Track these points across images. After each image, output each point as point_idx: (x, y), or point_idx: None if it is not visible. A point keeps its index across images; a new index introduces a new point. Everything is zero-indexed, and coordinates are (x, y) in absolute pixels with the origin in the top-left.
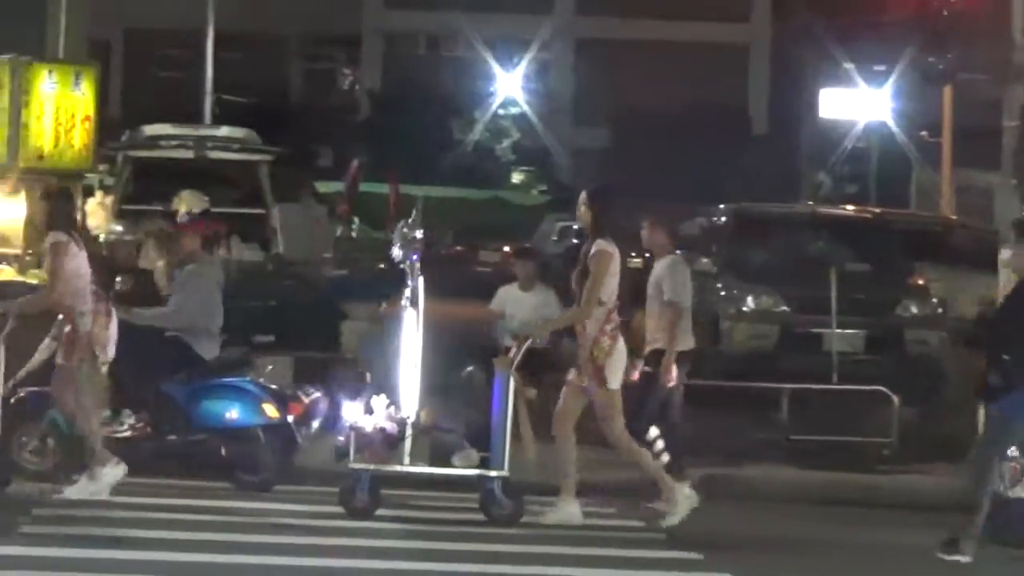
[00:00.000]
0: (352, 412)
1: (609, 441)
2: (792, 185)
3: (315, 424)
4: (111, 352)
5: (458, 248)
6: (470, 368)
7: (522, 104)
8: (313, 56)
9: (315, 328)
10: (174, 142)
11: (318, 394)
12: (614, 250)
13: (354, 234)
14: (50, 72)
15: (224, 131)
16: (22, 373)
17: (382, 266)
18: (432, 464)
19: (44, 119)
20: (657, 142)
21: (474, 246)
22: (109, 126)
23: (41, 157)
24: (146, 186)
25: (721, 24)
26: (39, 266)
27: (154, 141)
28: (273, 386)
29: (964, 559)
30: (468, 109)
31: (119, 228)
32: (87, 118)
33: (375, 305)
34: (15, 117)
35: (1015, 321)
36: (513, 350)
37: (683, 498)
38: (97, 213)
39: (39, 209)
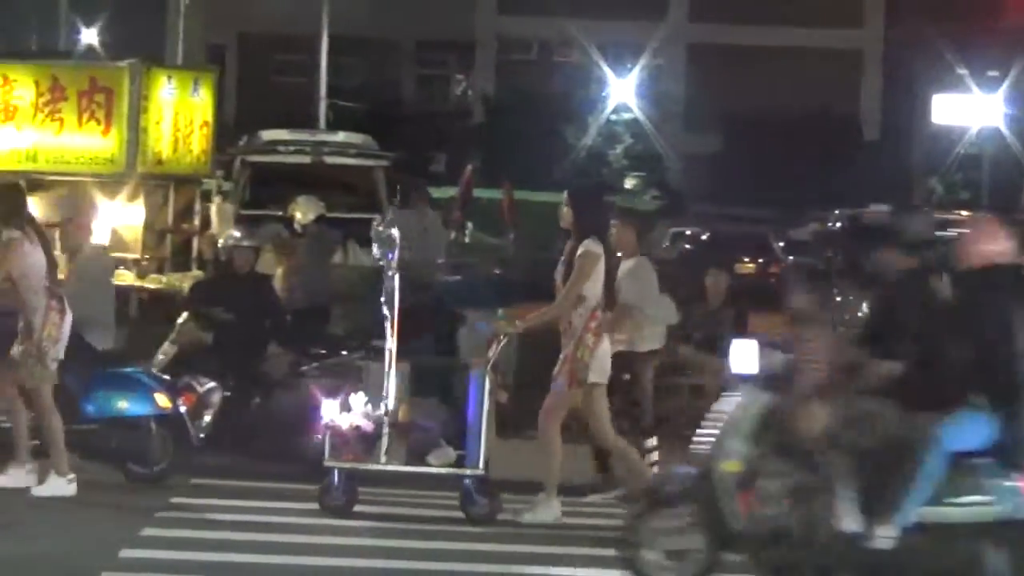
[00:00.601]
0: (328, 410)
1: (539, 424)
2: (904, 191)
3: (207, 416)
4: (62, 350)
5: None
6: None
7: (634, 109)
8: (426, 62)
9: (433, 333)
10: (291, 147)
11: (212, 384)
12: (600, 250)
13: (467, 239)
14: (169, 78)
15: (341, 136)
16: None
17: (497, 271)
18: (410, 462)
19: (163, 124)
20: (768, 148)
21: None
22: (224, 131)
23: (160, 162)
24: (263, 191)
25: (834, 30)
26: (159, 270)
27: (272, 146)
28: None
29: None
30: (581, 114)
31: (237, 234)
32: (205, 123)
33: (491, 311)
34: (134, 122)
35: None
36: (491, 348)
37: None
38: (216, 219)
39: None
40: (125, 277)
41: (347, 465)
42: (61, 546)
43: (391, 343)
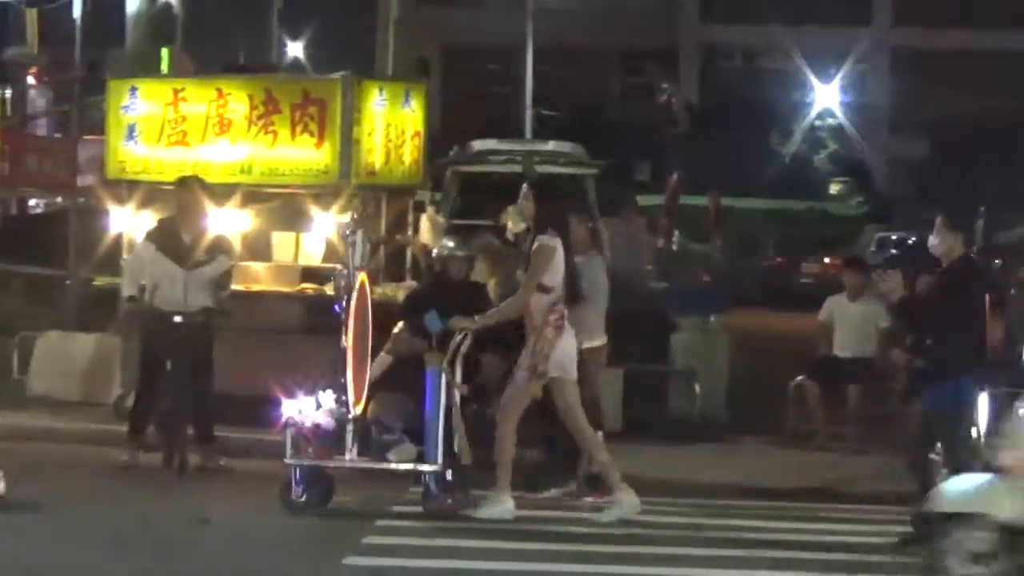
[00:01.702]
0: (289, 408)
1: (498, 417)
2: None
3: None
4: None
5: (779, 259)
6: (800, 378)
7: (838, 115)
8: (630, 70)
9: (644, 340)
10: (502, 157)
11: None
12: (557, 244)
13: (675, 247)
14: (380, 89)
15: (551, 145)
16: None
17: (704, 278)
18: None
19: (375, 136)
20: (975, 151)
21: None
22: (430, 142)
23: (372, 173)
24: (474, 201)
25: None
26: (373, 281)
27: (482, 156)
28: None
29: None
30: (785, 121)
31: (451, 243)
32: (416, 134)
33: (700, 317)
34: (347, 134)
35: (941, 309)
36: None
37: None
38: (428, 228)
39: None
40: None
41: (307, 462)
42: (284, 555)
43: (347, 341)
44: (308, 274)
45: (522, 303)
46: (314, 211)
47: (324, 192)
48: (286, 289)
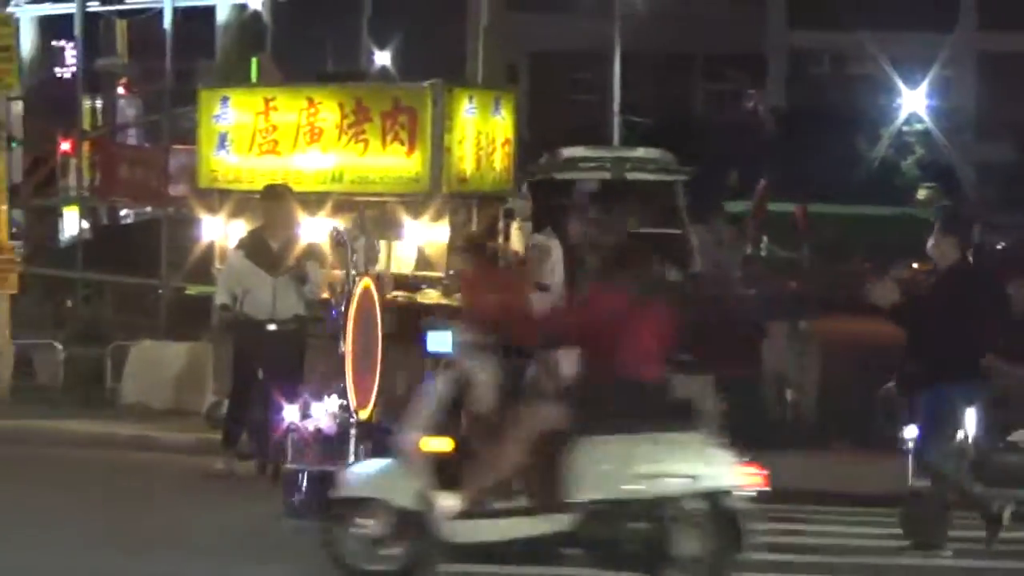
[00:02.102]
0: (290, 413)
1: None
2: None
3: None
4: None
5: (867, 265)
6: (889, 384)
7: (926, 120)
8: (717, 76)
9: (735, 347)
10: (591, 163)
11: None
12: (553, 243)
13: (763, 253)
14: (471, 97)
15: (640, 152)
16: None
17: (792, 284)
18: None
19: (465, 144)
20: None
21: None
22: (519, 148)
23: (463, 180)
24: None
25: None
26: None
27: (572, 163)
28: None
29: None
30: (872, 126)
31: None
32: (507, 141)
33: (789, 323)
34: (438, 142)
35: (939, 312)
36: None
37: None
38: (517, 236)
39: None
40: (431, 295)
41: (308, 467)
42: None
43: (346, 346)
44: (400, 282)
45: (525, 305)
46: (405, 219)
47: (415, 200)
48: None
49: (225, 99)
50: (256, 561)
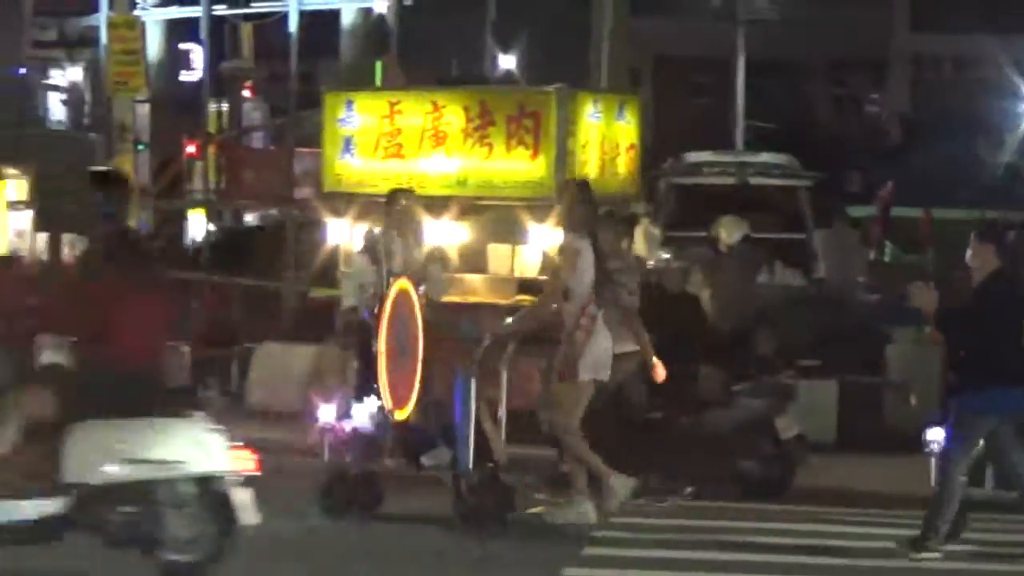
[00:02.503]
0: (327, 413)
1: (555, 431)
2: None
3: None
4: None
5: None
6: None
7: None
8: (840, 81)
9: (859, 352)
10: (716, 168)
11: None
12: (582, 245)
13: (887, 258)
14: (595, 101)
15: (764, 157)
16: None
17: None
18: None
19: (589, 148)
20: None
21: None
22: (644, 152)
23: None
24: (689, 213)
25: None
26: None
27: (696, 168)
28: None
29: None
30: (996, 131)
31: (666, 255)
32: (631, 146)
33: (913, 329)
34: (562, 146)
35: (975, 321)
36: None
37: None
38: (642, 240)
39: None
40: None
41: (346, 466)
42: (502, 566)
43: (380, 346)
44: (524, 286)
45: (548, 304)
46: (529, 223)
47: (539, 204)
48: (502, 301)
49: (350, 102)
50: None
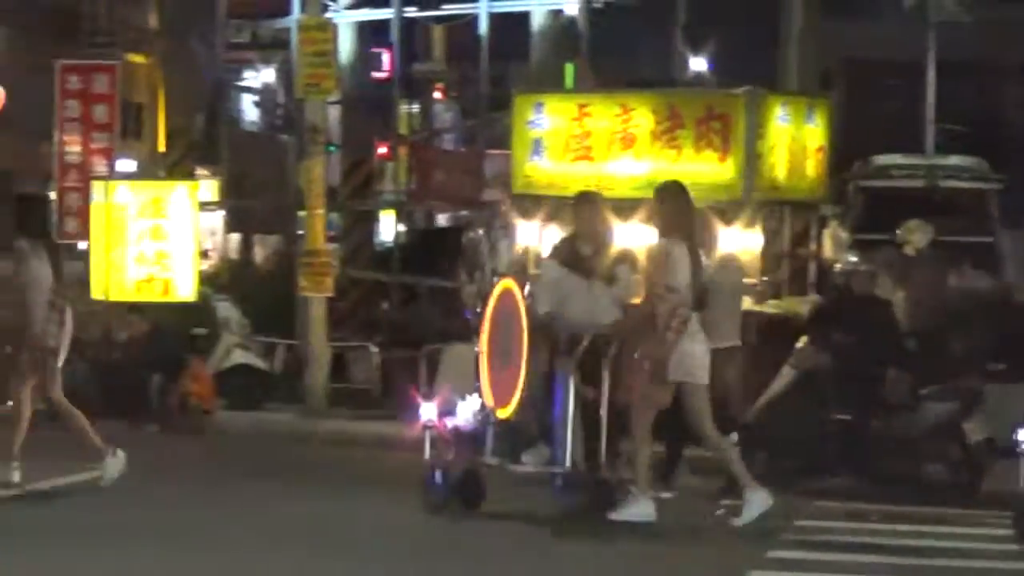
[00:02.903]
0: (427, 411)
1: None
2: None
3: None
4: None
5: None
6: None
7: None
8: None
9: None
10: (904, 171)
11: None
12: (673, 247)
13: None
14: (783, 104)
15: (954, 160)
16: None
17: None
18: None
19: (778, 150)
20: None
21: None
22: (834, 155)
23: (775, 188)
24: (877, 216)
25: None
26: (776, 295)
27: (884, 170)
28: None
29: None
30: None
31: (854, 258)
32: (820, 149)
33: None
34: (751, 149)
35: None
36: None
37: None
38: (830, 243)
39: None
40: (744, 302)
41: (445, 463)
42: (685, 569)
43: (481, 346)
44: None
45: (649, 308)
46: (718, 225)
47: (727, 207)
48: None
49: (539, 105)
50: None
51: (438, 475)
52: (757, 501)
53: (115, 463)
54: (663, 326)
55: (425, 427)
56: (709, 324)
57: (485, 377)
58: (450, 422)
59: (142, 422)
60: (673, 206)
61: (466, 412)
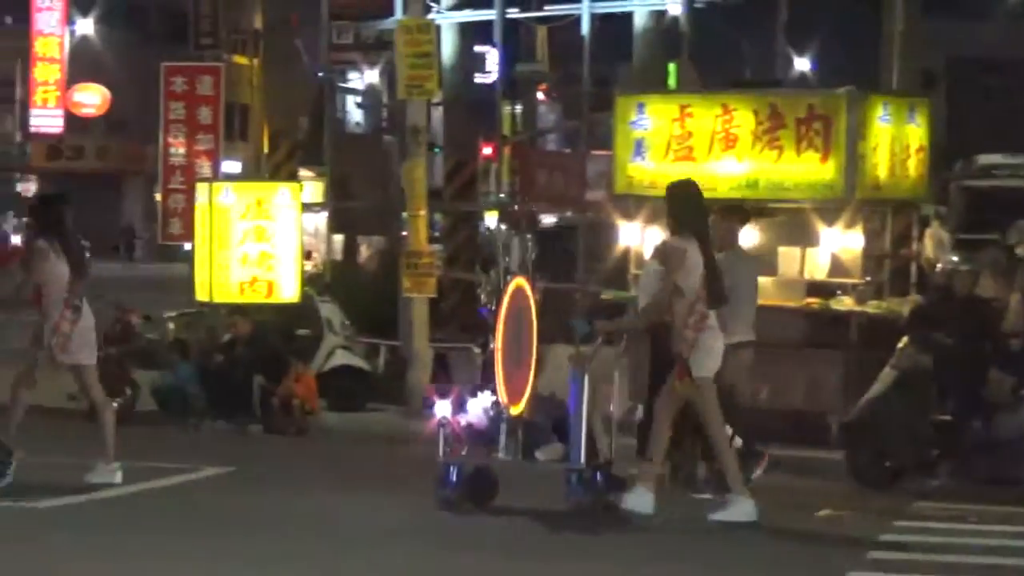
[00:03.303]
0: (442, 408)
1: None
2: None
3: None
4: (74, 352)
5: None
6: None
7: None
8: None
9: None
10: (1007, 171)
11: None
12: (687, 245)
13: None
14: (885, 104)
15: None
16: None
17: None
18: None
19: (879, 150)
20: None
21: None
22: (935, 155)
23: (877, 187)
24: (980, 216)
25: None
26: (878, 295)
27: (987, 171)
28: None
29: None
30: None
31: (956, 258)
32: (921, 148)
33: None
34: (852, 149)
35: None
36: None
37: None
38: (931, 243)
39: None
40: (845, 302)
41: (459, 460)
42: (786, 568)
43: (497, 343)
44: (813, 288)
45: (657, 306)
46: (819, 226)
47: (829, 207)
48: (791, 303)
49: (641, 105)
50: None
51: (452, 472)
52: (742, 508)
53: (108, 473)
54: (681, 324)
55: (440, 424)
56: (721, 320)
57: (499, 374)
58: (463, 419)
59: (245, 423)
60: (684, 205)
61: (477, 408)
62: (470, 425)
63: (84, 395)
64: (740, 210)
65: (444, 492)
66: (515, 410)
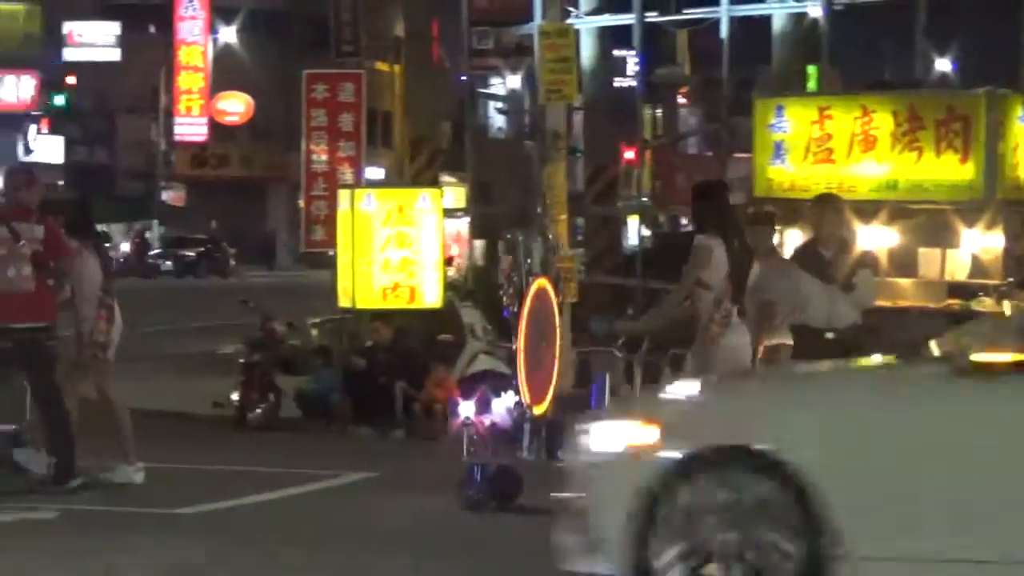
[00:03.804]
0: (465, 409)
1: None
2: None
3: None
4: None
5: None
6: None
7: None
8: None
9: None
10: None
11: None
12: (713, 243)
13: None
14: None
15: None
16: None
17: None
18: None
19: (1019, 150)
20: None
21: None
22: None
23: (1017, 187)
24: None
25: None
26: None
27: None
28: None
29: None
30: None
31: None
32: None
33: None
34: (992, 149)
35: None
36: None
37: None
38: None
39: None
40: (985, 303)
41: (483, 461)
42: None
43: (519, 344)
44: (954, 289)
45: (677, 302)
46: (960, 227)
47: (969, 208)
48: (932, 305)
49: (780, 108)
50: None
51: (476, 472)
52: None
53: (128, 473)
54: (706, 320)
55: (463, 425)
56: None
57: (522, 375)
58: (487, 419)
59: (388, 428)
60: (711, 204)
61: (500, 409)
62: (494, 425)
63: (99, 393)
64: (767, 216)
65: (468, 494)
66: (538, 410)
